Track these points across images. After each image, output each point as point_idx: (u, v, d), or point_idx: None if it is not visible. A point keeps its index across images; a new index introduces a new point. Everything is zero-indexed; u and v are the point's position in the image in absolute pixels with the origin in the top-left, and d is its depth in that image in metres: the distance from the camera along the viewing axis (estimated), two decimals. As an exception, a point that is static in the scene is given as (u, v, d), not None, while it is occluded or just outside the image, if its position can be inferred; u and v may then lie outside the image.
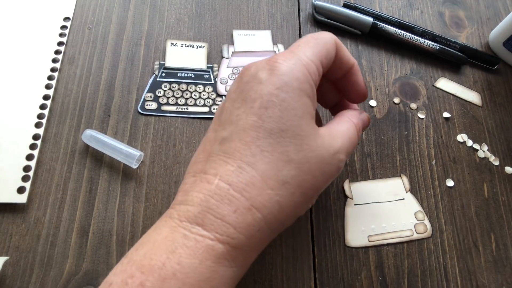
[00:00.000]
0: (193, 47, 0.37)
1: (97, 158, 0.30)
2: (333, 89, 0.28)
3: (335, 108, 0.29)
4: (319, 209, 0.31)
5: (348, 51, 0.25)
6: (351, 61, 0.24)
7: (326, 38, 0.23)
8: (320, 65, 0.22)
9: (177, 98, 0.34)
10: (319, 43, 0.22)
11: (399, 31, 0.39)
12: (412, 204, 0.32)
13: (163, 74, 0.35)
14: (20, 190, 0.28)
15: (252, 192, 0.19)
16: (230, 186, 0.19)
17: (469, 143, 0.36)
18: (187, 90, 0.34)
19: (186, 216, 0.19)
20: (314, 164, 0.20)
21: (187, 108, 0.34)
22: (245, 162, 0.19)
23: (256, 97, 0.20)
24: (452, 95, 0.38)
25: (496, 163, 0.35)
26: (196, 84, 0.35)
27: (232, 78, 0.36)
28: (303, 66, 0.21)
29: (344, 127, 0.23)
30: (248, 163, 0.19)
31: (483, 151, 0.35)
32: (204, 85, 0.35)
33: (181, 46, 0.36)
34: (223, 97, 0.35)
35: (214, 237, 0.18)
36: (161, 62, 0.35)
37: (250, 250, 0.20)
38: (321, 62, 0.22)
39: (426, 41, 0.39)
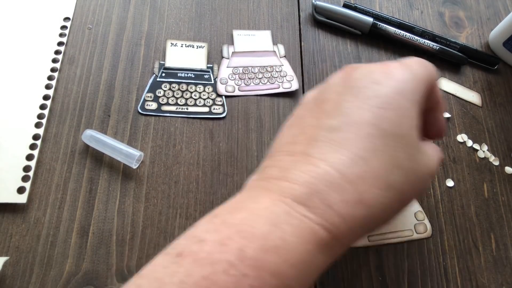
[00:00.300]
0: (193, 47, 0.37)
1: (97, 158, 0.31)
2: None
3: None
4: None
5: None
6: (440, 97, 0.25)
7: (431, 66, 0.23)
8: (428, 86, 0.22)
9: (177, 98, 0.34)
10: (427, 66, 0.23)
11: (399, 31, 0.39)
12: (412, 204, 0.32)
13: (163, 74, 0.35)
14: (20, 190, 0.28)
15: (363, 187, 0.19)
16: (341, 175, 0.18)
17: (469, 143, 0.36)
18: (187, 90, 0.34)
19: (289, 193, 0.18)
20: (416, 177, 0.20)
21: (187, 108, 0.34)
22: (359, 156, 0.19)
23: (372, 95, 0.20)
24: (452, 95, 0.38)
25: (496, 163, 0.35)
26: (196, 84, 0.35)
27: (232, 78, 0.36)
28: (418, 80, 0.21)
29: (435, 155, 0.23)
30: (362, 157, 0.19)
31: (483, 151, 0.35)
32: (204, 85, 0.35)
33: (181, 46, 0.36)
34: (223, 97, 0.35)
35: (319, 222, 0.18)
36: (161, 62, 0.35)
37: (345, 244, 0.19)
38: (429, 83, 0.22)
39: (426, 41, 0.39)
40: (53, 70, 0.33)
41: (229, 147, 0.33)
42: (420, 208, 0.32)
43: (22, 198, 0.28)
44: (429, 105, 0.24)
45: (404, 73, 0.21)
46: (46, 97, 0.32)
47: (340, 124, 0.20)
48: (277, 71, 0.36)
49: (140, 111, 0.33)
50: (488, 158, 0.35)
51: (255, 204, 0.18)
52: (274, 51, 0.38)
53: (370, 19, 0.39)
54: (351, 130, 0.20)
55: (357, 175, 0.19)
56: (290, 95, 0.36)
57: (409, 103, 0.20)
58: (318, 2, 0.39)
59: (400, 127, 0.20)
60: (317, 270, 0.18)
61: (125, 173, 0.30)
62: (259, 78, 0.36)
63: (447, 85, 0.39)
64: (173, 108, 0.33)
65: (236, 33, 0.38)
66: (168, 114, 0.33)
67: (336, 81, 0.23)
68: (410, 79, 0.21)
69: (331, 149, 0.19)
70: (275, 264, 0.16)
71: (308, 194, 0.18)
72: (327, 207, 0.18)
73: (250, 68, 0.36)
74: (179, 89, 0.34)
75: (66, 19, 0.36)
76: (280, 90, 0.35)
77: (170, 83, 0.34)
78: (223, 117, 0.34)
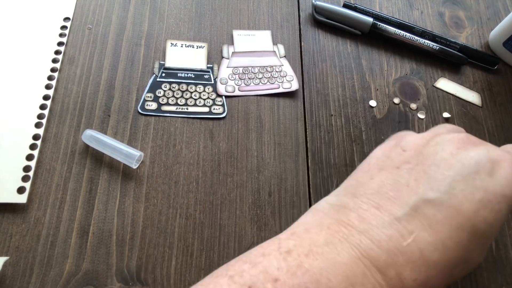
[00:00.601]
0: (193, 47, 0.37)
1: (97, 158, 0.31)
2: None
3: None
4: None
5: None
6: None
7: None
8: None
9: (177, 98, 0.34)
10: None
11: (399, 31, 0.39)
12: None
13: (163, 74, 0.35)
14: (20, 190, 0.28)
15: (433, 272, 0.19)
16: (421, 256, 0.19)
17: (469, 143, 0.36)
18: (187, 90, 0.34)
19: (369, 254, 0.19)
20: (472, 267, 0.21)
21: (187, 108, 0.34)
22: (443, 243, 0.19)
23: (480, 186, 0.20)
24: (452, 95, 0.38)
25: (496, 163, 0.35)
26: (196, 84, 0.35)
27: (232, 78, 0.36)
28: None
29: None
30: (445, 245, 0.19)
31: (483, 151, 0.35)
32: (204, 85, 0.35)
33: (181, 46, 0.36)
34: (223, 97, 0.35)
35: None
36: (161, 62, 0.35)
37: None
38: None
39: (426, 41, 0.39)
40: (53, 70, 0.33)
41: (229, 147, 0.33)
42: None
43: (22, 198, 0.28)
44: None
45: None
46: (46, 97, 0.32)
47: (438, 202, 0.20)
48: (277, 71, 0.36)
49: (140, 111, 0.33)
50: (488, 158, 0.35)
51: (334, 255, 0.19)
52: (274, 51, 0.38)
53: (370, 19, 0.39)
54: (445, 213, 0.19)
55: (434, 261, 0.19)
56: (290, 95, 0.36)
57: (508, 208, 0.20)
58: (318, 2, 0.39)
59: (491, 228, 0.20)
60: None
61: (125, 173, 0.30)
62: (259, 78, 0.36)
63: (447, 85, 0.39)
64: (173, 108, 0.33)
65: (236, 33, 0.38)
66: (168, 114, 0.33)
67: (449, 146, 0.22)
68: None
69: (422, 225, 0.19)
70: None
71: (387, 263, 0.19)
72: (400, 282, 0.19)
73: (250, 68, 0.36)
74: (179, 89, 0.34)
75: (66, 19, 0.36)
76: (280, 90, 0.35)
77: (170, 83, 0.34)
78: (223, 117, 0.34)
